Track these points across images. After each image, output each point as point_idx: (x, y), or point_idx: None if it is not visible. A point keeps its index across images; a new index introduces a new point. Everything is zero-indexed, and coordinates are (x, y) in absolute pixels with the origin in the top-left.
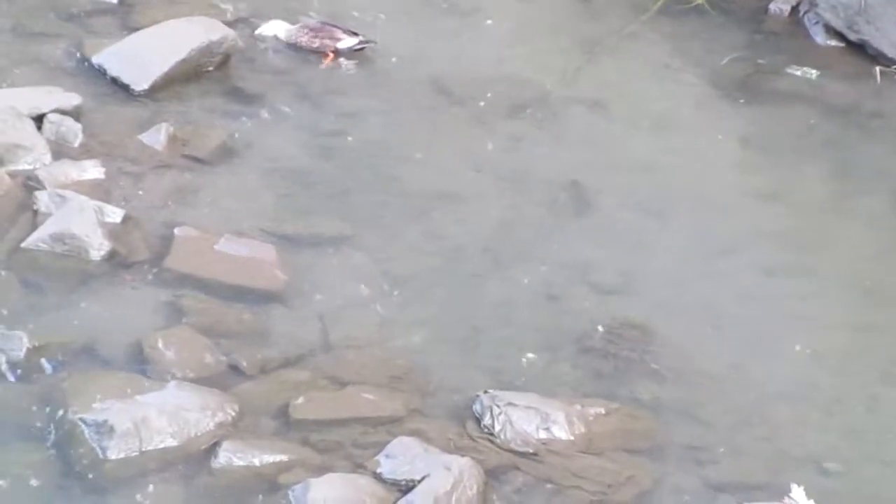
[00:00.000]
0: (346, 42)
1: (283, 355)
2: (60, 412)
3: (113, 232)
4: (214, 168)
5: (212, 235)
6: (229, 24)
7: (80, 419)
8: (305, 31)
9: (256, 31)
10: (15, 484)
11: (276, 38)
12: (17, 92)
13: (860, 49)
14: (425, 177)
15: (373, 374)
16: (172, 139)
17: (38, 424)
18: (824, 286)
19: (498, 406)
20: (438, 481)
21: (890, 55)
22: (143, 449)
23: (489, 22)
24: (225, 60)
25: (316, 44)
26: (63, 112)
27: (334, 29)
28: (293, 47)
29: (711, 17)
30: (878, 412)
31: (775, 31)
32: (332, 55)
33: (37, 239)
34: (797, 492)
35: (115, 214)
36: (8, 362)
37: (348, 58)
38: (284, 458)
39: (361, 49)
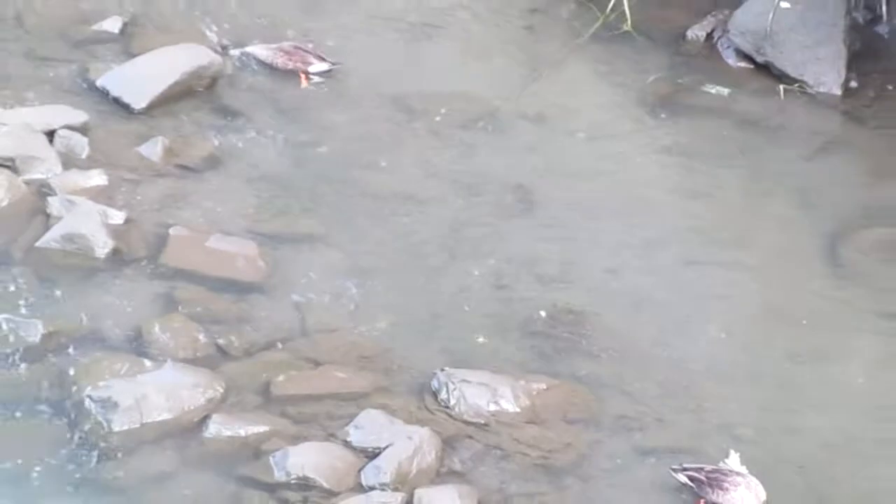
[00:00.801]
0: (316, 66)
1: (265, 339)
2: (71, 390)
3: (115, 232)
4: (203, 175)
5: (202, 234)
6: (216, 50)
7: (88, 396)
8: (281, 53)
9: (242, 51)
10: (30, 453)
11: (255, 58)
12: (31, 110)
13: (766, 70)
14: (389, 182)
15: (343, 355)
16: (167, 151)
17: (52, 400)
18: (738, 275)
19: (453, 382)
20: (401, 448)
21: (792, 75)
22: (143, 422)
23: (444, 46)
24: (212, 82)
25: (290, 66)
26: (71, 128)
27: (306, 54)
28: (270, 67)
29: (637, 42)
30: (785, 386)
31: (693, 54)
32: (304, 76)
33: (49, 239)
34: (733, 458)
35: (117, 217)
36: (25, 346)
37: (319, 78)
38: (266, 428)
39: (329, 71)
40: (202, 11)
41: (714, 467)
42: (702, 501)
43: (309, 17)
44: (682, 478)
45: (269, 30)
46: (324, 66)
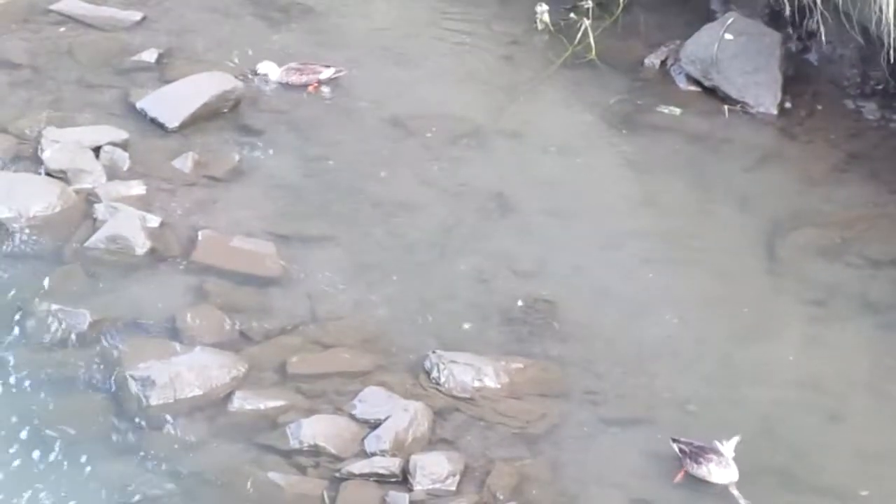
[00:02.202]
0: (326, 73)
1: (281, 325)
2: (114, 370)
3: (152, 234)
4: (228, 185)
5: (227, 236)
6: (239, 77)
7: (130, 375)
8: (293, 71)
9: (256, 69)
10: (81, 424)
11: (268, 78)
12: (81, 129)
13: (713, 92)
14: (387, 190)
15: (349, 338)
16: (196, 164)
17: (98, 379)
18: (687, 270)
19: (443, 362)
20: (398, 419)
21: (735, 97)
22: (177, 397)
23: (434, 74)
24: (236, 104)
25: (304, 79)
26: (115, 144)
27: (314, 66)
28: (285, 86)
29: (601, 69)
30: (728, 366)
31: (649, 79)
32: (316, 84)
33: (96, 240)
34: (730, 443)
35: (154, 221)
36: (75, 333)
37: (328, 85)
38: (282, 403)
39: (336, 77)
40: (226, 45)
41: (702, 444)
42: (683, 471)
43: (318, 50)
44: (675, 447)
45: (284, 59)
46: (331, 72)
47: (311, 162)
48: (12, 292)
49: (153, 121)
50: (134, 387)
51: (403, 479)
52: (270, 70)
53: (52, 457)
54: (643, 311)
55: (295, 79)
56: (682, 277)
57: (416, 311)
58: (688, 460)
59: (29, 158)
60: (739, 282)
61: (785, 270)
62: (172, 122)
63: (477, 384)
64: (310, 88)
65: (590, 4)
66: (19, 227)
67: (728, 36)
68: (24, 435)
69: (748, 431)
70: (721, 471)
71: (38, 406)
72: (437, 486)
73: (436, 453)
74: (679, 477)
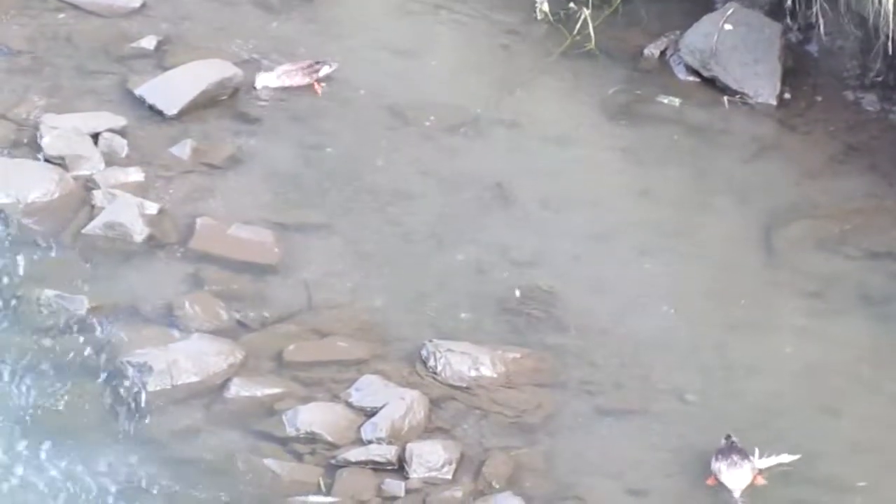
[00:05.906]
0: (325, 70)
1: (278, 313)
2: (111, 356)
3: (151, 221)
4: (226, 173)
5: (225, 223)
6: (238, 64)
7: (127, 361)
8: (293, 73)
9: (255, 84)
10: (78, 410)
11: (267, 87)
12: (79, 116)
13: (712, 83)
14: (385, 179)
15: (346, 327)
16: (194, 151)
17: (96, 365)
18: (684, 262)
19: (440, 351)
20: (395, 408)
21: (734, 88)
22: (174, 384)
23: (433, 63)
24: (234, 92)
25: (306, 80)
26: (113, 131)
27: (310, 64)
28: (288, 90)
29: (600, 59)
30: (725, 356)
31: (648, 70)
32: (318, 84)
33: (94, 226)
34: (770, 459)
35: (152, 208)
36: (73, 319)
37: (327, 82)
38: (279, 390)
39: (331, 72)
40: (225, 33)
41: (736, 444)
42: (712, 477)
43: (318, 41)
44: (722, 441)
45: (282, 48)
46: (329, 68)
47: (309, 150)
48: (10, 278)
49: (152, 108)
50: (131, 373)
51: (399, 467)
52: (267, 80)
53: (47, 443)
54: (640, 301)
55: (298, 81)
56: (680, 268)
57: (412, 300)
58: (714, 456)
59: (27, 145)
60: (737, 273)
61: (782, 262)
62: (171, 110)
63: (473, 373)
64: (314, 87)
65: None
66: (17, 213)
67: (728, 26)
68: (20, 420)
69: (744, 423)
70: (725, 477)
71: (35, 392)
72: (433, 474)
73: (432, 442)
74: (710, 480)
